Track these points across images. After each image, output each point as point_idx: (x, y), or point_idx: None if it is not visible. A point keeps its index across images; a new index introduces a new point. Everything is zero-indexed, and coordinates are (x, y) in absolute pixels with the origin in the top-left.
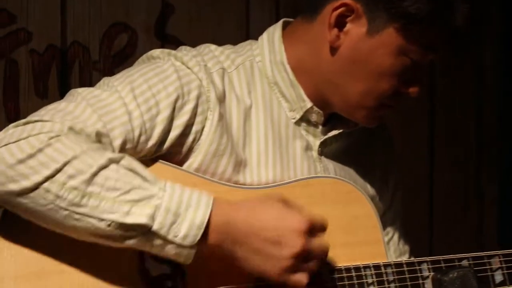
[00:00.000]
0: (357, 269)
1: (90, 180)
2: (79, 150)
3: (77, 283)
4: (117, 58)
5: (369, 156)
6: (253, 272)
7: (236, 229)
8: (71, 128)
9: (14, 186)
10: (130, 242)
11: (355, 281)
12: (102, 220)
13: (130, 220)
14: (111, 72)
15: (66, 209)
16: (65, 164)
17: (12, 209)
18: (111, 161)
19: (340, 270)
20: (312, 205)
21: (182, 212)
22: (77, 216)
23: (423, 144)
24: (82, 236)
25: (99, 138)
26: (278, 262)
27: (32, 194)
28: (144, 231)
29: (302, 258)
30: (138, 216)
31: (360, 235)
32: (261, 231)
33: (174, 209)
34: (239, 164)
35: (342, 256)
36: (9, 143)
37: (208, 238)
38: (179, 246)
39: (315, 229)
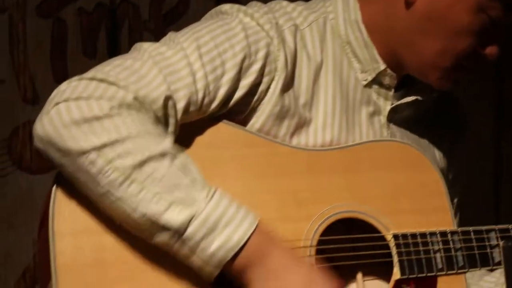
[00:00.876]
0: (423, 235)
1: (137, 166)
2: (135, 131)
3: (134, 244)
4: (168, 17)
5: (439, 129)
6: None
7: (266, 263)
8: (135, 98)
9: (60, 143)
10: (158, 240)
11: (421, 248)
12: (136, 210)
13: (163, 219)
14: (162, 32)
15: (104, 187)
16: (117, 141)
17: (59, 167)
18: (166, 154)
19: (405, 236)
20: (377, 170)
21: (220, 228)
22: (113, 198)
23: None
24: (114, 217)
25: (166, 101)
26: None
27: (76, 160)
28: (174, 234)
29: None
30: (173, 218)
31: (427, 202)
32: (289, 280)
33: (211, 222)
34: (302, 126)
35: (408, 222)
36: (69, 100)
37: (235, 261)
38: (204, 261)
39: None
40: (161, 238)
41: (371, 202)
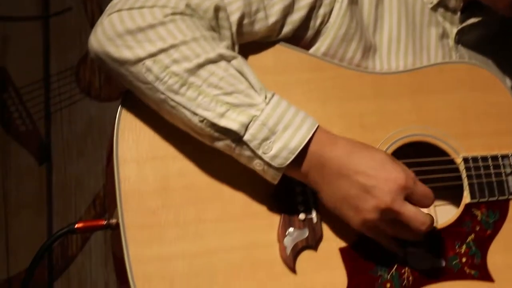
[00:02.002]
0: (494, 158)
1: (194, 71)
2: (190, 36)
3: (199, 169)
4: None
5: (507, 51)
6: (333, 212)
7: (329, 163)
8: (188, 5)
9: (116, 53)
10: (219, 144)
11: (492, 171)
12: (195, 114)
13: (222, 122)
14: None
15: (163, 93)
16: (172, 47)
17: (117, 78)
18: (222, 57)
19: (476, 159)
20: (446, 92)
21: (280, 130)
22: (172, 103)
23: None
24: (176, 122)
25: (217, 13)
26: (360, 212)
27: (133, 68)
28: (234, 138)
29: (387, 216)
30: (231, 121)
31: (498, 124)
32: (354, 174)
33: (271, 125)
34: (369, 50)
35: (478, 145)
36: (122, 10)
37: (297, 164)
38: (266, 164)
39: (414, 194)
40: (222, 142)
41: (439, 125)
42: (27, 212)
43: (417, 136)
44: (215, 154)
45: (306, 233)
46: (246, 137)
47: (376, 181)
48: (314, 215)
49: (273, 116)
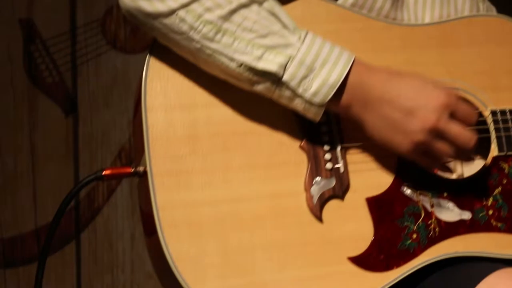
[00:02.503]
0: None
1: (227, 17)
2: None
3: (227, 117)
4: None
5: None
6: (381, 143)
7: (370, 92)
8: None
9: (148, 7)
10: (259, 88)
11: None
12: (233, 60)
13: (260, 65)
14: None
15: (198, 42)
16: None
17: (151, 32)
18: (253, 1)
19: (504, 113)
20: (475, 45)
21: (318, 67)
22: (208, 52)
23: None
24: (214, 71)
25: None
26: (408, 135)
27: (166, 21)
28: (273, 79)
29: (434, 136)
30: (269, 63)
31: None
32: (396, 98)
33: (309, 62)
34: (397, 0)
35: (507, 99)
36: None
37: (338, 99)
38: (308, 102)
39: (458, 111)
40: (261, 85)
41: (468, 78)
42: (54, 163)
43: None
44: (243, 103)
45: (333, 182)
46: (285, 78)
47: (419, 102)
48: (341, 164)
49: (310, 54)
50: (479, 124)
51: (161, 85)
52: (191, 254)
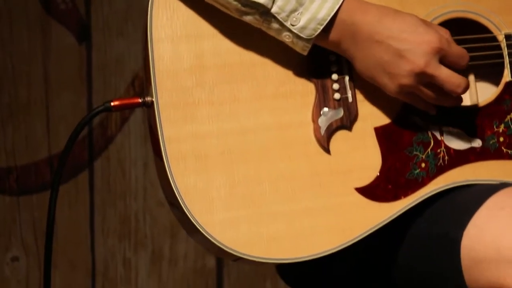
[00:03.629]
0: None
1: None
2: None
3: (233, 47)
4: None
5: None
6: (369, 80)
7: (360, 31)
8: None
9: None
10: (247, 18)
11: None
12: None
13: None
14: None
15: None
16: None
17: None
18: None
19: (509, 37)
20: None
21: (307, 1)
22: None
23: None
24: None
25: None
26: (395, 78)
27: None
28: (262, 11)
29: (422, 80)
30: None
31: None
32: (386, 39)
33: None
34: None
35: None
36: None
37: (327, 35)
38: (296, 36)
39: (449, 55)
40: (250, 15)
41: (480, 1)
42: (67, 91)
43: (458, 12)
44: (250, 33)
45: (341, 112)
46: (273, 10)
47: (409, 45)
48: (349, 94)
49: None
50: (493, 49)
51: (167, 15)
52: (198, 187)
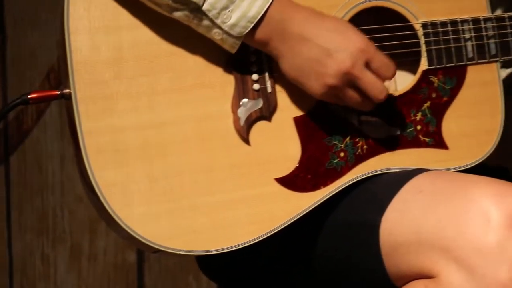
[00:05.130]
0: (454, 23)
1: None
2: None
3: (153, 39)
4: None
5: None
6: (294, 82)
7: (290, 29)
8: None
9: None
10: (177, 14)
11: (451, 36)
12: None
13: None
14: None
15: None
16: None
17: None
18: None
19: (435, 25)
20: None
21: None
22: None
23: None
24: None
25: None
26: (322, 77)
27: None
28: (193, 7)
29: (347, 81)
30: None
31: None
32: (315, 38)
33: None
34: None
35: (439, 9)
36: None
37: (257, 32)
38: (225, 33)
39: (373, 60)
40: (180, 12)
41: None
42: None
43: (375, 1)
44: (169, 25)
45: (260, 103)
46: (204, 7)
47: (337, 44)
48: (268, 84)
49: None
50: (410, 38)
51: (84, 6)
52: (117, 180)
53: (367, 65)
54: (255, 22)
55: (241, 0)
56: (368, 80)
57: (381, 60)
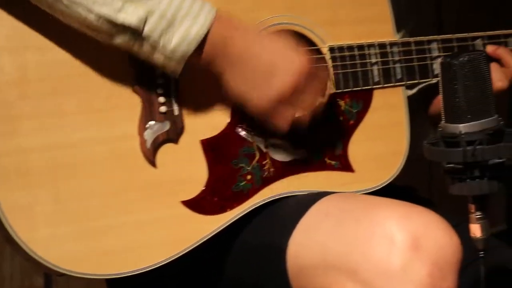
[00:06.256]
0: (361, 47)
1: None
2: None
3: (60, 59)
4: None
5: None
6: (237, 100)
7: (232, 48)
8: None
9: None
10: (118, 41)
11: (358, 61)
12: (91, 11)
13: (120, 18)
14: None
15: None
16: None
17: None
18: None
19: (342, 49)
20: None
21: (178, 21)
22: (66, 2)
23: None
24: (72, 23)
25: None
26: (266, 91)
27: None
28: (133, 33)
29: (289, 98)
30: (129, 16)
31: (367, 10)
32: (257, 56)
33: (169, 16)
34: None
35: (346, 34)
36: None
37: (200, 54)
38: (168, 57)
39: (314, 78)
40: (121, 38)
41: (307, 13)
42: None
43: (284, 25)
44: (78, 46)
45: (167, 125)
46: (145, 32)
47: (280, 63)
48: (175, 107)
49: (171, 7)
50: (318, 61)
51: None
52: (22, 203)
53: (308, 80)
54: (196, 43)
55: (180, 23)
56: (308, 99)
57: (321, 78)
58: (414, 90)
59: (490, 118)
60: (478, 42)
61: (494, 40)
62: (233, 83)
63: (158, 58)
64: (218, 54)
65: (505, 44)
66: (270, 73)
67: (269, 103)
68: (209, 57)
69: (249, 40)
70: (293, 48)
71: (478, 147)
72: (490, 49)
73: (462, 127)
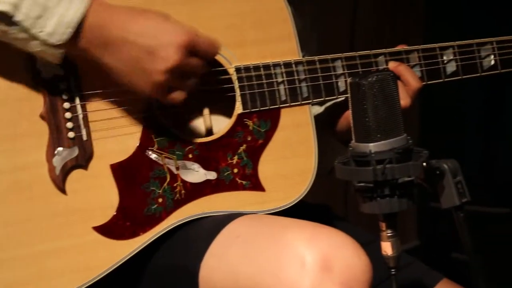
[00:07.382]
0: (266, 67)
1: None
2: None
3: None
4: None
5: None
6: (125, 87)
7: (110, 33)
8: None
9: None
10: None
11: (264, 81)
12: None
13: None
14: None
15: None
16: None
17: None
18: None
19: (248, 69)
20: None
21: (52, 6)
22: None
23: None
24: None
25: None
26: (150, 76)
27: None
28: (7, 20)
29: (177, 75)
30: (1, 3)
31: (272, 31)
32: (136, 38)
33: (43, 1)
34: None
35: (252, 54)
36: None
37: (77, 39)
38: (44, 43)
39: (197, 46)
40: None
41: (217, 34)
42: None
43: None
44: None
45: (75, 151)
46: (18, 17)
47: (159, 41)
48: (84, 132)
49: None
50: (225, 82)
51: None
52: None
53: (192, 51)
54: (72, 27)
55: (55, 6)
56: (197, 68)
57: (204, 42)
58: (323, 108)
59: (399, 137)
60: (381, 59)
61: (396, 56)
62: (115, 72)
63: (34, 45)
64: (96, 40)
65: (407, 60)
66: (151, 54)
67: (155, 86)
68: (87, 43)
69: (126, 23)
70: (172, 22)
71: (388, 165)
72: (391, 65)
73: (372, 146)
